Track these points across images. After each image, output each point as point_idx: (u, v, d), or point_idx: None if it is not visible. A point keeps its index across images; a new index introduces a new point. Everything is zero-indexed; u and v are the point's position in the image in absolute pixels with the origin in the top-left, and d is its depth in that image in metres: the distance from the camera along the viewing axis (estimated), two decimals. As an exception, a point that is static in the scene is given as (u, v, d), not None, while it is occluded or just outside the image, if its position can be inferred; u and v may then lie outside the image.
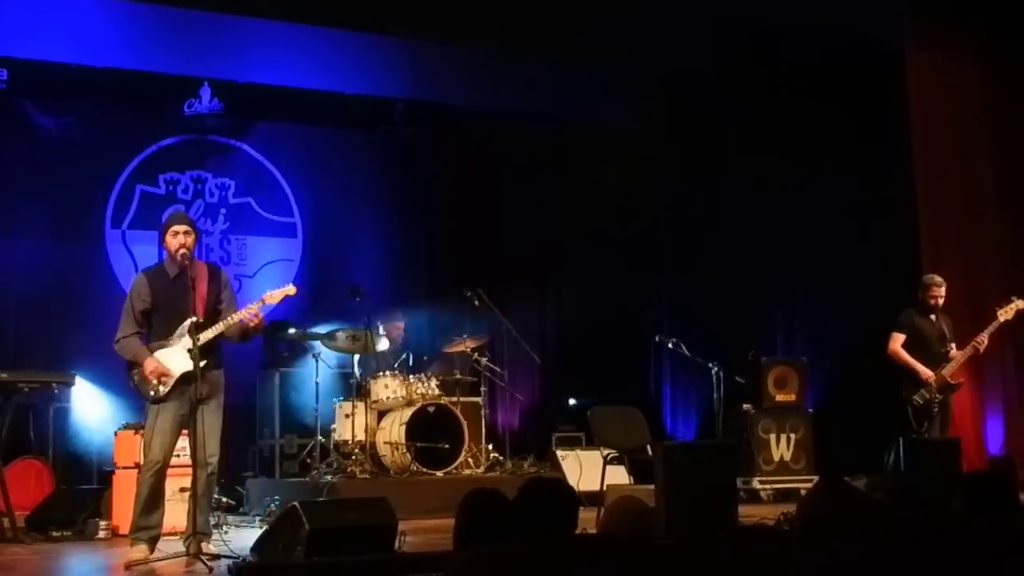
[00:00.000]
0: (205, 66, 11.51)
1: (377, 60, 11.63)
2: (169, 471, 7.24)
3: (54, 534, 8.50)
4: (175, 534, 7.59)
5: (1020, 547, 3.00)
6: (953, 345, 9.23)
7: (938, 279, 9.38)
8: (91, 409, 10.25)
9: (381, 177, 12.90)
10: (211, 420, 7.09)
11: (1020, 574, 2.93)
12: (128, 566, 6.83)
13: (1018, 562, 2.97)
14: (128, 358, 7.24)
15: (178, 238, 7.25)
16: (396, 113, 12.81)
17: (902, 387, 9.19)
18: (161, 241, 7.38)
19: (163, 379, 7.09)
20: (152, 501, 7.14)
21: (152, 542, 7.11)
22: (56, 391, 9.82)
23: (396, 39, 11.17)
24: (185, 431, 7.19)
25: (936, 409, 9.08)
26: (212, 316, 7.23)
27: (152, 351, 7.16)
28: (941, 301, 9.27)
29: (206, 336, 7.10)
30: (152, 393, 7.13)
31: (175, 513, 7.81)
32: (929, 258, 10.61)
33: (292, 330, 11.23)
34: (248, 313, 7.18)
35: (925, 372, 9.11)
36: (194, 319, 7.07)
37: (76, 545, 8.23)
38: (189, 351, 7.04)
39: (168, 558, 6.96)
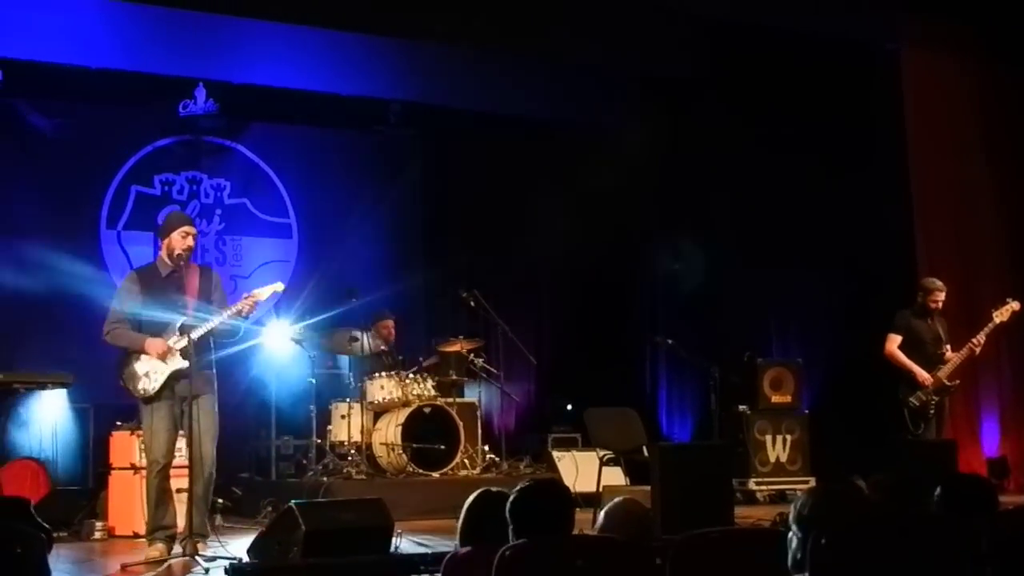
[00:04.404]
0: (200, 66, 11.47)
1: (372, 61, 11.60)
2: (167, 472, 7.24)
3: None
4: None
5: (998, 549, 2.99)
6: (949, 347, 9.22)
7: (939, 283, 9.38)
8: (87, 409, 10.21)
9: (376, 178, 12.92)
10: (206, 421, 7.09)
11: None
12: (125, 567, 6.82)
13: (995, 564, 2.95)
14: (124, 345, 7.25)
15: (187, 240, 7.28)
16: (391, 114, 12.82)
17: (898, 389, 9.18)
18: (163, 239, 7.35)
19: (168, 357, 7.09)
20: (161, 501, 7.21)
21: (169, 541, 7.16)
22: (52, 391, 9.79)
23: (391, 40, 11.14)
24: (182, 431, 7.20)
25: (932, 411, 9.07)
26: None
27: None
28: (941, 305, 9.28)
29: (196, 334, 7.09)
30: (141, 391, 7.13)
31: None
32: (925, 259, 10.59)
33: (288, 331, 11.23)
34: (237, 309, 7.17)
35: (922, 374, 9.10)
36: (184, 319, 7.07)
37: (72, 546, 8.19)
38: (181, 349, 7.06)
39: (165, 559, 6.95)
